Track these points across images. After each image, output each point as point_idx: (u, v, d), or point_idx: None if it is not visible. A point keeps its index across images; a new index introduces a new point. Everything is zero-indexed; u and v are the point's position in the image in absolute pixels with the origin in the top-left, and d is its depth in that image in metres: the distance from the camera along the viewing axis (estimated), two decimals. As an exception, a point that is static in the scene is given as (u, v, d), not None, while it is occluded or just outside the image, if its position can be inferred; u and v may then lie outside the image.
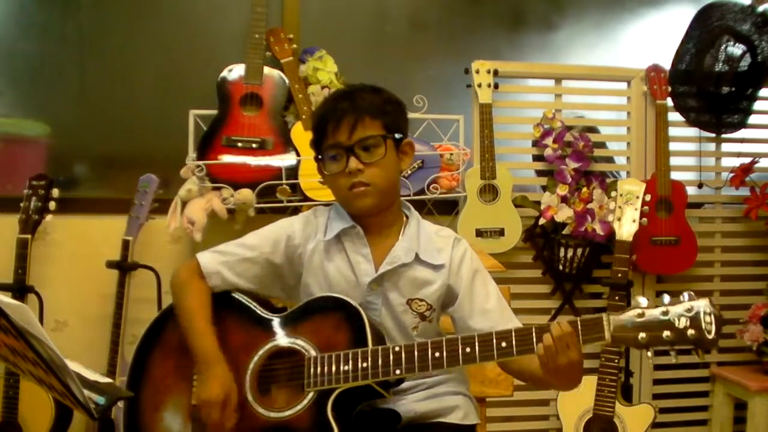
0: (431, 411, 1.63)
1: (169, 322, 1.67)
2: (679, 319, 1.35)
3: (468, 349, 1.46)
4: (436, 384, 1.66)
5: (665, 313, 1.36)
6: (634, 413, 2.71)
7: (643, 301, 1.40)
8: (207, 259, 1.66)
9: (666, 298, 1.38)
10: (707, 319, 1.34)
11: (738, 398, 3.07)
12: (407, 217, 1.71)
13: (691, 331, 1.34)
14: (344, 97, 1.63)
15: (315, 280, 1.65)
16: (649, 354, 1.39)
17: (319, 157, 1.64)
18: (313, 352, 1.54)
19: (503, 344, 1.44)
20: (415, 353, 1.48)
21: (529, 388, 1.88)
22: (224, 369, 1.55)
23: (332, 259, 1.65)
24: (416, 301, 1.63)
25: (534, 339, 1.42)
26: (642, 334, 1.36)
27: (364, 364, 1.49)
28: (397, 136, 1.63)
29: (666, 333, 1.35)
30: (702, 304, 1.35)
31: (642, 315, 1.37)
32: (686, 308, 1.35)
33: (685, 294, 1.37)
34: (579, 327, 1.40)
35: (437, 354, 1.47)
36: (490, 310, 1.63)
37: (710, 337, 1.34)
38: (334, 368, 1.50)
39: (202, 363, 1.56)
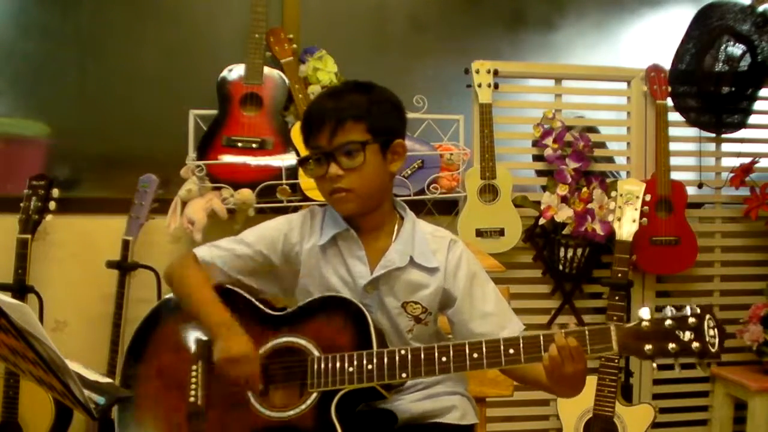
0: (428, 411, 1.63)
1: (160, 319, 1.66)
2: (683, 332, 1.36)
3: (476, 355, 1.45)
4: (434, 384, 1.65)
5: (670, 325, 1.37)
6: (634, 413, 2.71)
7: (646, 312, 1.40)
8: (204, 252, 1.66)
9: (669, 310, 1.39)
10: (711, 332, 1.35)
11: (738, 398, 3.07)
12: (402, 218, 1.67)
13: (695, 344, 1.35)
14: (330, 97, 1.61)
15: (312, 281, 1.64)
16: (654, 365, 1.40)
17: (307, 159, 1.60)
18: (316, 352, 1.53)
19: (511, 351, 1.44)
20: (422, 357, 1.47)
21: (529, 388, 1.88)
22: (241, 329, 1.54)
23: (328, 261, 1.63)
24: (411, 304, 1.61)
25: (542, 346, 1.42)
26: (648, 346, 1.37)
27: (369, 367, 1.48)
28: (383, 138, 1.57)
29: (671, 345, 1.36)
30: (706, 318, 1.36)
31: (647, 327, 1.38)
32: (691, 321, 1.36)
33: (688, 307, 1.38)
34: (587, 337, 1.40)
35: (444, 359, 1.46)
36: (489, 313, 1.62)
37: (714, 350, 1.35)
38: (338, 369, 1.49)
39: (219, 325, 1.55)
